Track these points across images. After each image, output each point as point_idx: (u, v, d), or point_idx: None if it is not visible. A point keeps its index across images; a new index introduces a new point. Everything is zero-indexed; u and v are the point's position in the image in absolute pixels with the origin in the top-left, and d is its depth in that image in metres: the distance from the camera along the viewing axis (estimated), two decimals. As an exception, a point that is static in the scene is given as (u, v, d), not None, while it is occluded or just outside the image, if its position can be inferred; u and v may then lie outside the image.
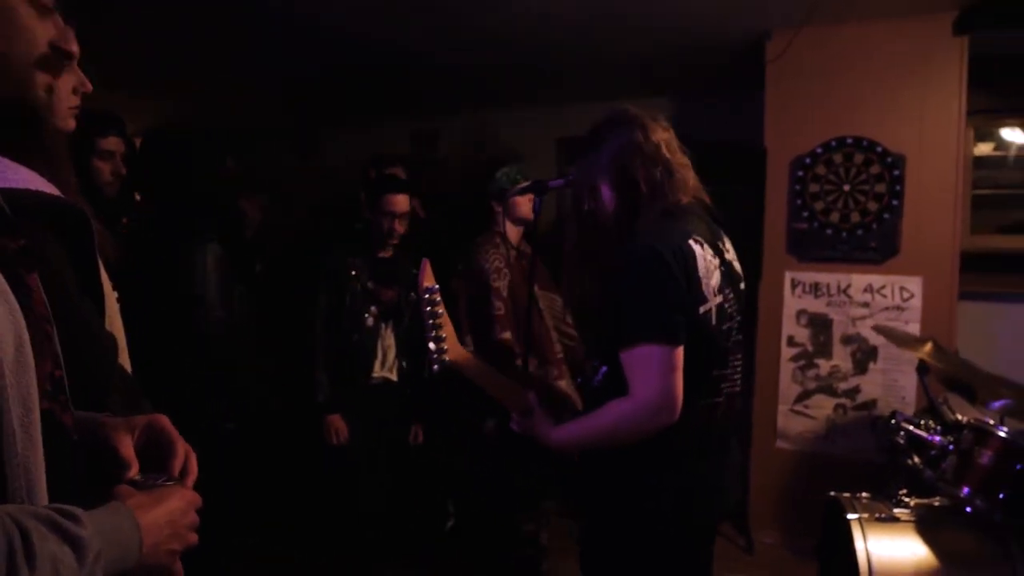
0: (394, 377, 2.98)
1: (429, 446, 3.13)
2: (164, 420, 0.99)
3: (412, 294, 3.02)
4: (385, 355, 2.96)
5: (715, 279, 1.60)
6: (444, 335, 1.67)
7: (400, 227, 2.93)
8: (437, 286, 1.68)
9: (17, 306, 0.75)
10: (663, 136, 1.66)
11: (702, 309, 1.56)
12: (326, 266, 2.90)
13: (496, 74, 4.43)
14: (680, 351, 1.52)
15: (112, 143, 2.13)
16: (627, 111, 1.69)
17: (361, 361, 2.89)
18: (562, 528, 3.32)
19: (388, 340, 2.96)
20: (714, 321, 1.58)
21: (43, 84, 0.85)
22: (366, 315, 2.88)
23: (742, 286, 1.75)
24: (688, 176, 1.67)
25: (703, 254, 1.58)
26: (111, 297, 1.44)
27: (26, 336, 0.74)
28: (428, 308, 1.65)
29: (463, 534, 3.57)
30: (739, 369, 1.72)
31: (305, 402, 2.86)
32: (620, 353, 1.55)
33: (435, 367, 1.68)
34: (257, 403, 2.99)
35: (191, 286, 2.57)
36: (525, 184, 2.36)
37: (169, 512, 0.85)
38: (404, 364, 2.99)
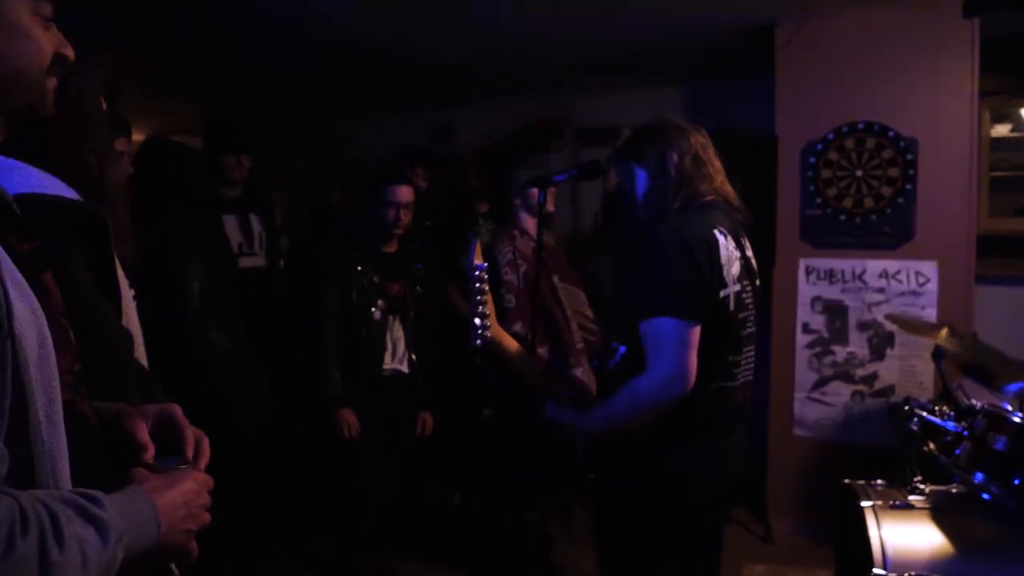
0: (405, 369, 3.01)
1: (436, 435, 3.16)
2: (175, 409, 1.03)
3: (417, 287, 3.05)
4: (395, 347, 2.99)
5: (735, 268, 1.70)
6: (487, 312, 1.77)
7: (405, 217, 2.95)
8: (485, 264, 1.78)
9: (38, 305, 0.80)
10: (700, 141, 1.80)
11: (722, 293, 1.65)
12: (333, 262, 2.92)
13: (510, 67, 4.44)
14: (697, 329, 1.59)
15: (120, 144, 2.10)
16: (670, 118, 1.84)
17: (371, 354, 2.92)
18: (574, 517, 3.35)
19: (397, 332, 2.99)
20: (732, 307, 1.67)
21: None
22: (373, 309, 2.91)
23: (757, 283, 1.84)
24: (717, 177, 1.79)
25: (726, 244, 1.69)
26: (127, 295, 1.47)
27: (47, 332, 0.79)
28: (476, 285, 1.76)
29: (471, 524, 3.59)
30: (752, 359, 1.81)
31: (314, 397, 2.88)
32: (639, 324, 1.63)
33: (478, 342, 1.77)
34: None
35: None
36: (529, 178, 2.38)
37: (183, 494, 0.89)
38: (414, 356, 3.02)
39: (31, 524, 0.67)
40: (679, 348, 1.58)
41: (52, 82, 0.90)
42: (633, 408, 1.66)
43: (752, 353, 1.80)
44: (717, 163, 1.81)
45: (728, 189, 1.81)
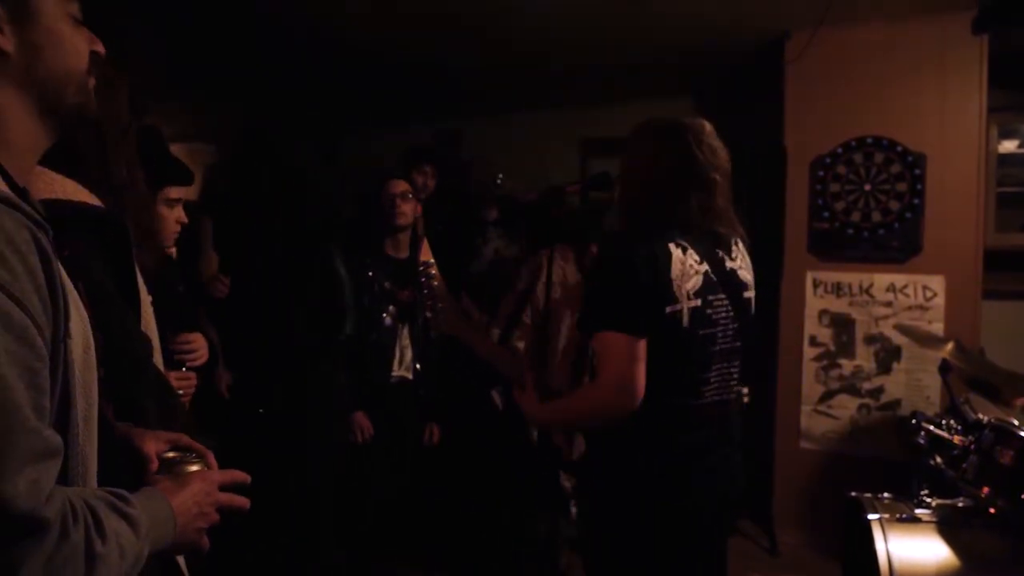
0: (410, 376, 3.02)
1: (444, 444, 3.17)
2: (186, 438, 1.12)
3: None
4: (403, 354, 3.00)
5: (692, 283, 1.63)
6: (440, 305, 1.81)
7: (402, 205, 2.95)
8: (433, 260, 1.82)
9: (86, 315, 0.84)
10: (716, 177, 1.68)
11: (669, 309, 1.60)
12: (344, 268, 2.94)
13: (520, 76, 4.48)
14: (641, 343, 1.58)
15: (176, 192, 1.89)
16: (683, 121, 1.72)
17: (380, 360, 2.93)
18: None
19: (405, 340, 3.00)
20: (686, 323, 1.62)
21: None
22: (384, 315, 2.93)
23: (746, 295, 1.76)
24: (712, 211, 1.69)
25: (682, 258, 1.63)
26: (146, 301, 1.50)
27: (92, 341, 0.84)
28: (424, 279, 1.80)
29: (480, 533, 3.59)
30: (733, 376, 1.74)
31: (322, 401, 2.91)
32: (591, 337, 1.66)
33: (433, 334, 1.80)
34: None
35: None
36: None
37: (193, 494, 0.95)
38: (419, 366, 3.03)
39: (79, 515, 0.71)
40: (624, 361, 1.57)
41: (92, 81, 0.92)
42: (578, 412, 1.74)
43: (730, 369, 1.73)
44: (724, 200, 1.71)
45: (719, 204, 1.70)
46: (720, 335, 1.68)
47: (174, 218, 1.87)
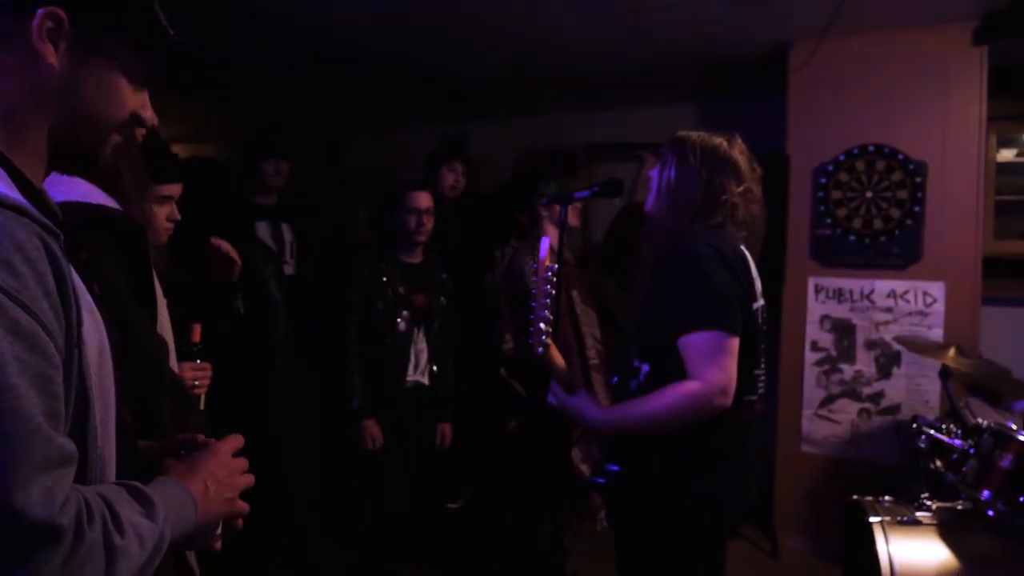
0: (426, 381, 3.02)
1: (460, 447, 3.18)
2: (202, 436, 1.12)
3: (442, 298, 3.07)
4: (418, 359, 2.99)
5: (758, 283, 1.74)
6: (551, 317, 1.67)
7: (427, 222, 2.95)
8: (556, 266, 1.69)
9: (100, 318, 0.85)
10: (749, 162, 1.80)
11: (755, 306, 1.70)
12: (357, 271, 2.93)
13: (525, 81, 4.50)
14: (737, 340, 1.60)
15: (170, 190, 1.88)
16: (728, 136, 1.81)
17: (395, 365, 2.92)
18: (586, 530, 3.36)
19: (420, 344, 2.99)
20: (759, 320, 1.72)
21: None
22: (398, 320, 2.93)
23: (762, 299, 1.86)
24: (751, 205, 1.78)
25: (749, 258, 1.74)
26: (162, 303, 1.52)
27: (107, 344, 0.84)
28: (547, 287, 1.65)
29: (483, 535, 3.61)
30: (764, 373, 1.82)
31: (338, 406, 2.90)
32: (681, 339, 1.60)
33: (540, 349, 1.67)
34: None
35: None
36: (553, 194, 2.41)
37: (207, 468, 0.96)
38: (435, 368, 3.03)
39: (95, 513, 0.72)
40: (727, 360, 1.56)
41: (116, 138, 0.92)
42: (672, 413, 1.60)
43: (763, 367, 1.81)
44: (759, 210, 1.80)
45: (754, 226, 1.80)
46: (764, 334, 1.77)
47: (165, 215, 1.82)
